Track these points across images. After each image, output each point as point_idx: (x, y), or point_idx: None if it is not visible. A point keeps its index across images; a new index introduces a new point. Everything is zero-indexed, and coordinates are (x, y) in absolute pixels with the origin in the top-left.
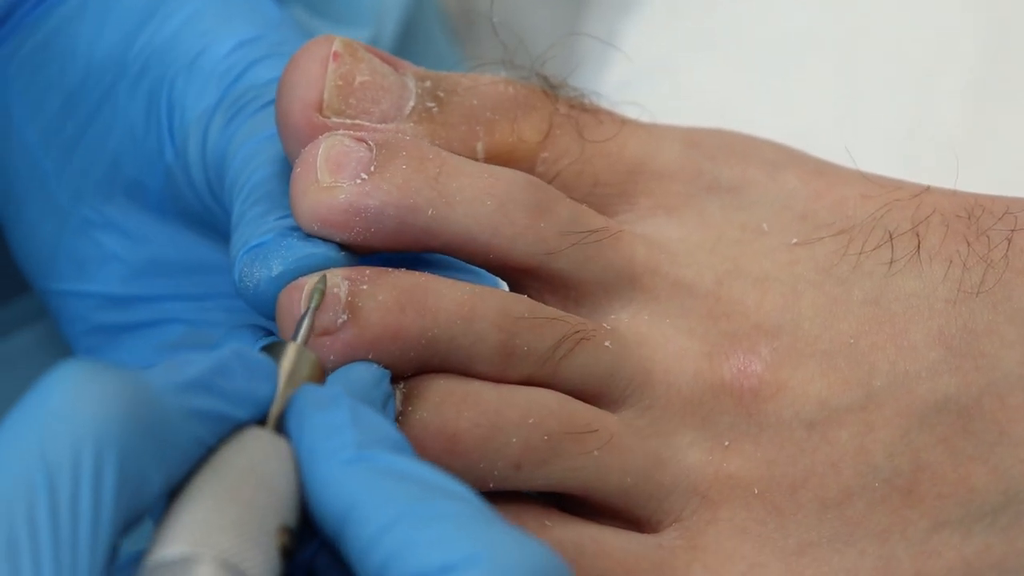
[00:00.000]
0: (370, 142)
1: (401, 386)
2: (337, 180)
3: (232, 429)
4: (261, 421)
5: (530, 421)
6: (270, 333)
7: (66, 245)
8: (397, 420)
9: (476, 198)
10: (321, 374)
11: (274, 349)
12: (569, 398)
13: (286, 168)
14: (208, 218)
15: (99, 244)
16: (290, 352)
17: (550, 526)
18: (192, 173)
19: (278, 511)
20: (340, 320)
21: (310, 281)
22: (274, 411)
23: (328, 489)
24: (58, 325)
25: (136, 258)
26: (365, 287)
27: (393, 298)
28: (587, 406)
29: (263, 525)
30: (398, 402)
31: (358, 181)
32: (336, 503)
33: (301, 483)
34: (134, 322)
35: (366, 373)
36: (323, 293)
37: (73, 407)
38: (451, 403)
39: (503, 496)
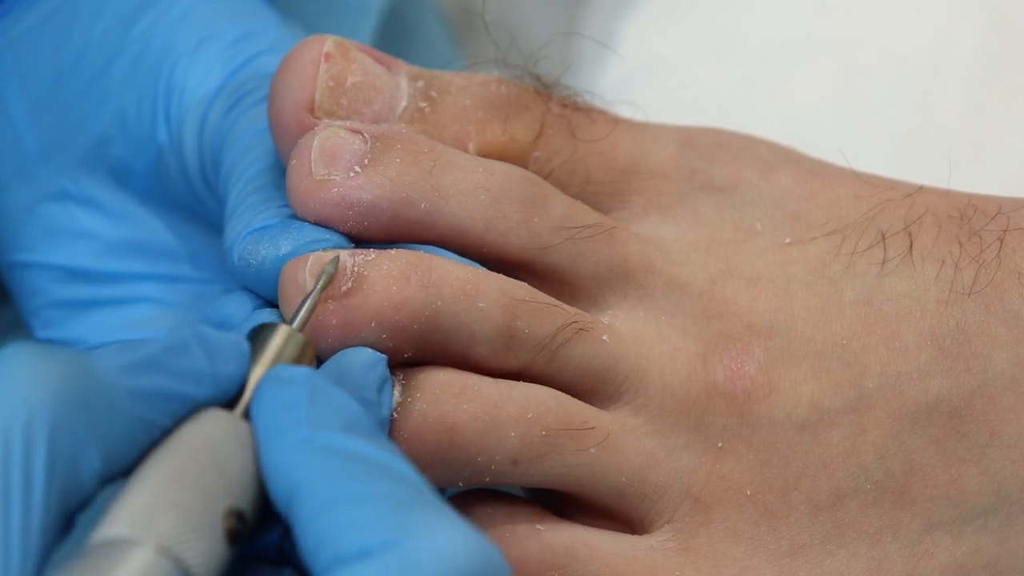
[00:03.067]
0: (365, 134)
1: (400, 377)
2: (331, 172)
3: (192, 410)
4: (231, 404)
5: (528, 416)
6: (267, 301)
7: (39, 216)
8: (396, 411)
9: (470, 192)
10: (313, 358)
11: (265, 331)
12: (566, 396)
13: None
14: (193, 203)
15: (74, 218)
16: (278, 335)
17: (542, 530)
18: (186, 157)
19: (227, 493)
20: (344, 287)
21: (314, 257)
22: (246, 395)
23: (277, 469)
24: (15, 298)
25: (111, 236)
26: (371, 258)
27: (398, 268)
28: (584, 404)
29: (208, 508)
30: (397, 393)
31: (351, 174)
32: (284, 483)
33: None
34: (101, 298)
35: (360, 356)
36: (331, 276)
37: (5, 386)
38: (450, 395)
39: (496, 499)
